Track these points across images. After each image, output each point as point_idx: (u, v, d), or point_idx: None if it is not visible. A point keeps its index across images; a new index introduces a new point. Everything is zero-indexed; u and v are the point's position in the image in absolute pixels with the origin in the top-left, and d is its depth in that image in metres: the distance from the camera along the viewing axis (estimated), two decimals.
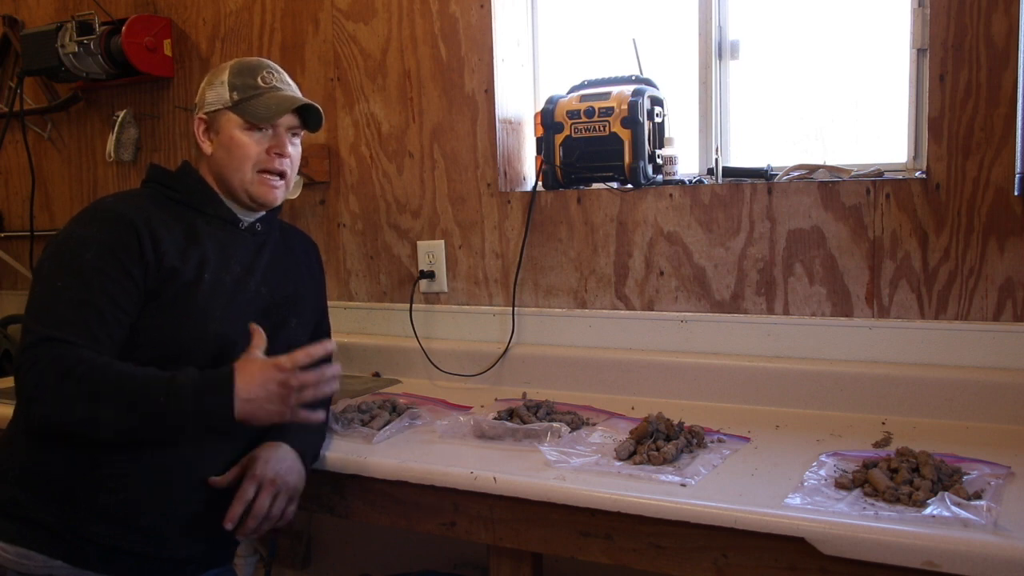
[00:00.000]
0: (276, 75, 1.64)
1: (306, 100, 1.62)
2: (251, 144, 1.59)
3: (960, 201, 1.71)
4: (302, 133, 1.67)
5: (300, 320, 1.70)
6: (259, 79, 1.61)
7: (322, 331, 1.83)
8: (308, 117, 1.65)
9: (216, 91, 1.61)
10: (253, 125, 1.59)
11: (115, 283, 1.45)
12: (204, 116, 1.63)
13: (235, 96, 1.59)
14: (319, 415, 1.46)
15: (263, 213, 1.68)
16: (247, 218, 1.66)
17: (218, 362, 1.51)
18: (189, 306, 1.50)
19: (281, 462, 1.51)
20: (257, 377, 1.38)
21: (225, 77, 1.61)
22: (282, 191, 1.65)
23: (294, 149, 1.65)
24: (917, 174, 1.79)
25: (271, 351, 1.61)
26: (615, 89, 2.02)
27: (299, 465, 1.54)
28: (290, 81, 1.67)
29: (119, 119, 2.69)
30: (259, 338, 1.47)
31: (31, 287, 1.48)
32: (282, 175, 1.63)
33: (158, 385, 1.37)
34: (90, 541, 1.43)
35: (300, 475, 1.54)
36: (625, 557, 1.37)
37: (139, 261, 1.47)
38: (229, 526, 1.46)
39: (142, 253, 1.48)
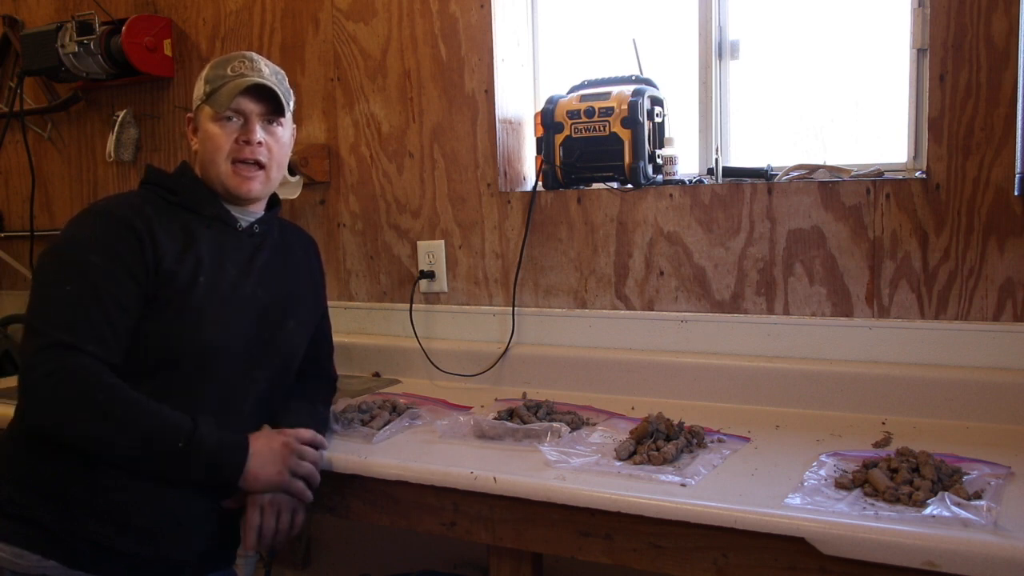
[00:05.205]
0: (248, 63, 1.59)
1: (259, 80, 1.57)
2: (222, 135, 1.57)
3: (960, 201, 1.71)
4: (282, 121, 1.62)
5: (298, 321, 1.69)
6: (229, 69, 1.58)
7: (322, 332, 1.83)
8: (278, 103, 1.59)
9: (197, 87, 1.62)
10: (221, 115, 1.56)
11: (119, 285, 1.45)
12: (190, 115, 1.64)
13: (207, 89, 1.59)
14: (308, 493, 1.54)
15: (261, 213, 1.67)
16: (244, 218, 1.64)
17: (211, 367, 1.52)
18: (185, 310, 1.49)
19: None
20: (263, 437, 1.51)
21: (204, 73, 1.61)
22: (259, 182, 1.59)
23: (270, 137, 1.59)
24: (917, 174, 1.79)
25: (270, 353, 1.62)
26: (615, 89, 2.02)
27: None
28: (265, 68, 1.61)
29: (119, 119, 2.69)
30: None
31: (32, 288, 1.47)
32: (258, 164, 1.58)
33: (179, 430, 1.41)
34: (84, 541, 1.42)
35: None
36: (625, 557, 1.37)
37: (140, 263, 1.47)
38: (251, 553, 1.51)
39: (143, 255, 1.47)
